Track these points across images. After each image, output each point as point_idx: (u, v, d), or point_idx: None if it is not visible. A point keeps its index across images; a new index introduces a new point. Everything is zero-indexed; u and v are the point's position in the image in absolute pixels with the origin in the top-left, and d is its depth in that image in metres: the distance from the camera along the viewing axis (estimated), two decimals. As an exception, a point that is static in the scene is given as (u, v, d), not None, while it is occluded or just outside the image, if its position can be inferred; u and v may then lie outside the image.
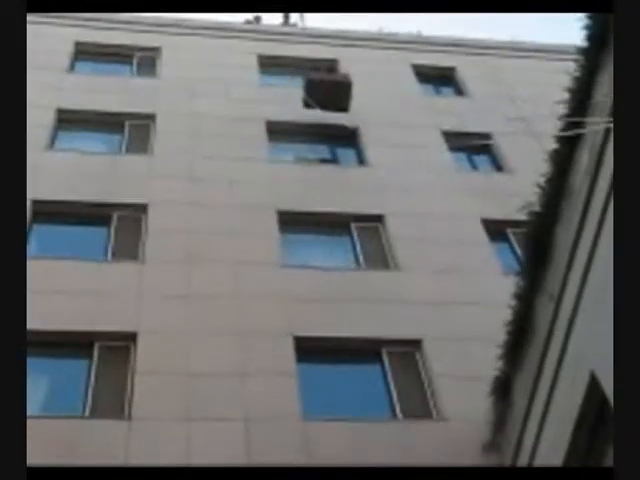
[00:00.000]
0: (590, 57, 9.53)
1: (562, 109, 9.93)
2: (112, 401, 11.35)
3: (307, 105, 17.30)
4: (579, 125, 9.49)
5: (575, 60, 9.84)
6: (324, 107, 17.23)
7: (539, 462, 9.52)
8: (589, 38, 9.57)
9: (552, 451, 9.19)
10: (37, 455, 8.93)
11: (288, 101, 17.96)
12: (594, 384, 8.43)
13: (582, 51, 9.69)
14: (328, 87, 17.32)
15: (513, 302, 10.55)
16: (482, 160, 17.79)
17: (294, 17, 23.76)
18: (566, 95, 9.86)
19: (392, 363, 12.42)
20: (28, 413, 8.38)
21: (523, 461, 9.88)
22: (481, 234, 15.13)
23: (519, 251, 14.32)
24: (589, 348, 8.65)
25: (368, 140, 17.39)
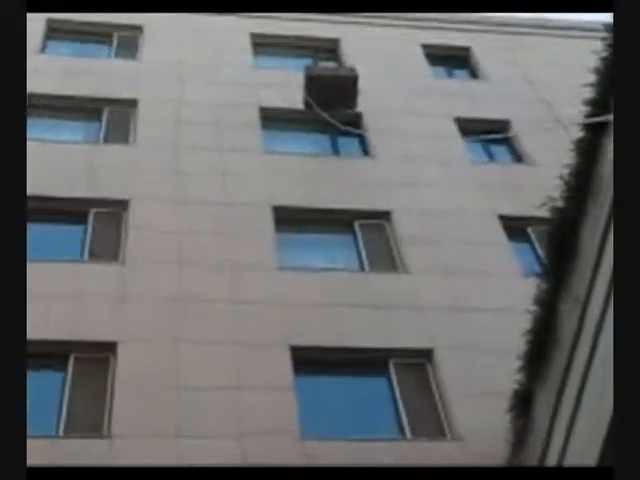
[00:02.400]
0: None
1: (588, 93, 9.93)
2: (89, 418, 11.37)
3: (308, 106, 17.13)
4: (607, 110, 9.48)
5: (603, 39, 9.83)
6: (328, 106, 17.09)
7: (563, 484, 9.51)
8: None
9: (578, 472, 9.19)
10: None
11: (284, 85, 17.98)
12: (624, 398, 8.43)
13: (610, 29, 9.67)
14: (331, 83, 17.14)
15: (534, 308, 10.53)
16: (500, 150, 17.81)
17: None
18: (593, 77, 9.85)
19: (400, 376, 12.47)
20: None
21: (545, 483, 9.88)
22: (498, 233, 15.17)
23: (541, 251, 14.34)
24: (618, 358, 8.66)
25: (373, 128, 17.39)
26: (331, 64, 19.08)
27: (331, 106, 17.06)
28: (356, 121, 17.56)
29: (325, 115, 16.65)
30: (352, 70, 17.44)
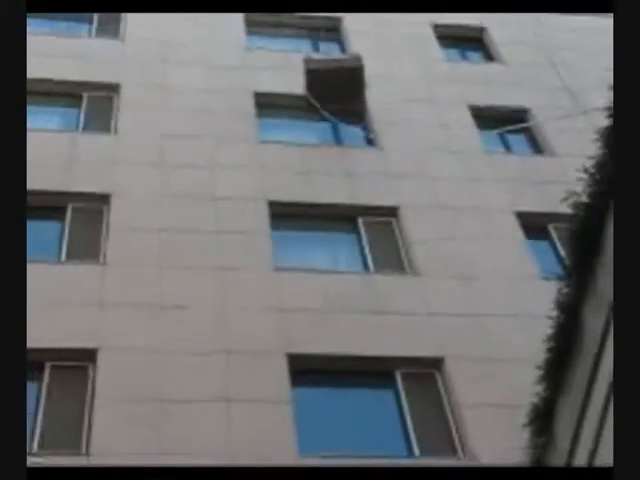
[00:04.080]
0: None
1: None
2: (65, 435, 11.43)
3: (311, 105, 17.20)
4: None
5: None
6: (332, 102, 17.11)
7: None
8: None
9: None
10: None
11: (281, 68, 18.04)
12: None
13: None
14: (334, 77, 17.14)
15: (555, 313, 10.54)
16: (518, 140, 17.85)
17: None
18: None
19: (407, 387, 12.55)
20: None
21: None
22: (516, 231, 15.24)
23: (563, 251, 14.41)
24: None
25: (380, 116, 17.43)
26: (333, 49, 19.03)
27: (335, 99, 17.03)
28: (361, 109, 17.60)
29: (330, 116, 16.65)
30: (358, 60, 17.33)
